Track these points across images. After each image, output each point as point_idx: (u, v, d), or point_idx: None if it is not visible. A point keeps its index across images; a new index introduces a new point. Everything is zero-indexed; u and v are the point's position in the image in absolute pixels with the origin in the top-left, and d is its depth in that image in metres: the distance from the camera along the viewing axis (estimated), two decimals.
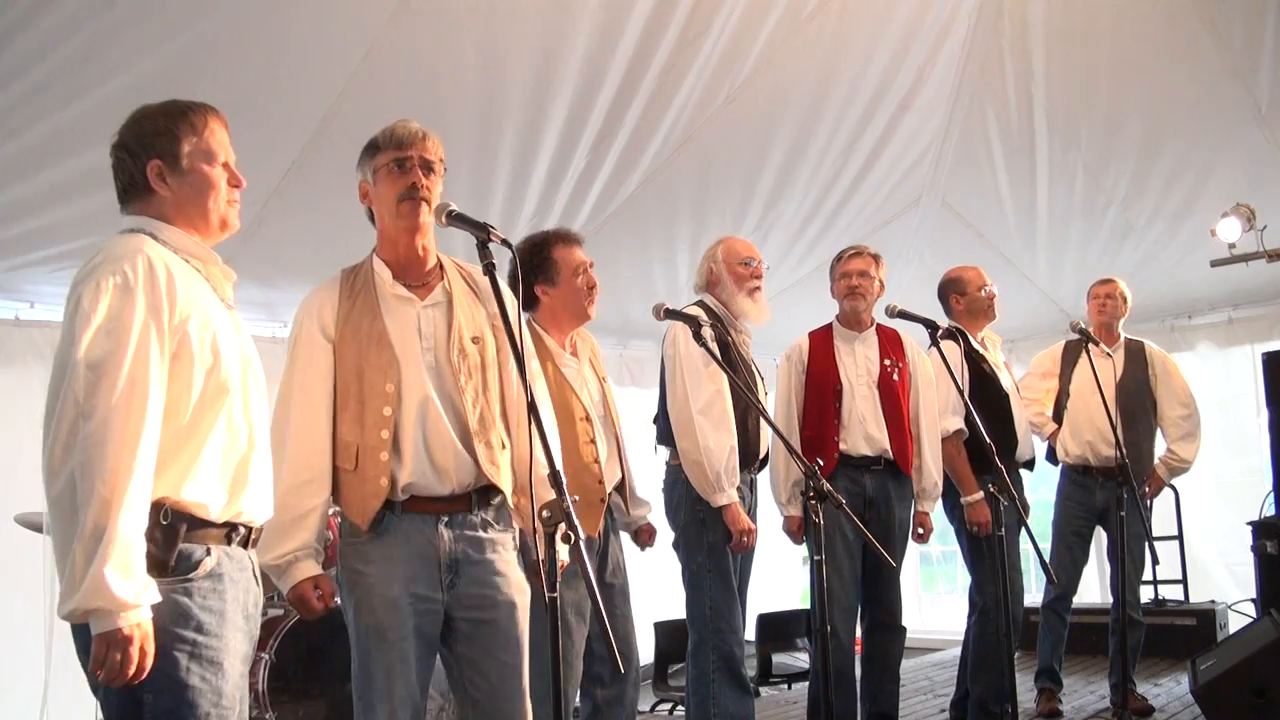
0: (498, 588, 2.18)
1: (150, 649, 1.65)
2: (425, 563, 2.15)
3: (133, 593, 1.60)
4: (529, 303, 3.01)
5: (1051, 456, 4.67)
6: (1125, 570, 3.96)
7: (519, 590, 2.25)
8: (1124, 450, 3.82)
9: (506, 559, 2.26)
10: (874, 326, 3.81)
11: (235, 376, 1.85)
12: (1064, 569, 4.36)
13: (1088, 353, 4.13)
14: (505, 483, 2.24)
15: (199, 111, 1.91)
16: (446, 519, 2.17)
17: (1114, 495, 4.27)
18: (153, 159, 1.85)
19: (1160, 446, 4.55)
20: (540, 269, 2.99)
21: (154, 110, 1.89)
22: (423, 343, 2.19)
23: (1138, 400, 4.44)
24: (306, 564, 2.15)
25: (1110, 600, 4.56)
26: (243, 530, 1.86)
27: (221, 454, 1.81)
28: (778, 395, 3.79)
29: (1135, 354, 4.55)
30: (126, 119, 1.90)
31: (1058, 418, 4.60)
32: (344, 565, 2.21)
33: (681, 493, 3.38)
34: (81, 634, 1.73)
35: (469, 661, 2.19)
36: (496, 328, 2.26)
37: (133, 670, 1.62)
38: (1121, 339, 4.53)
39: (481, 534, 2.20)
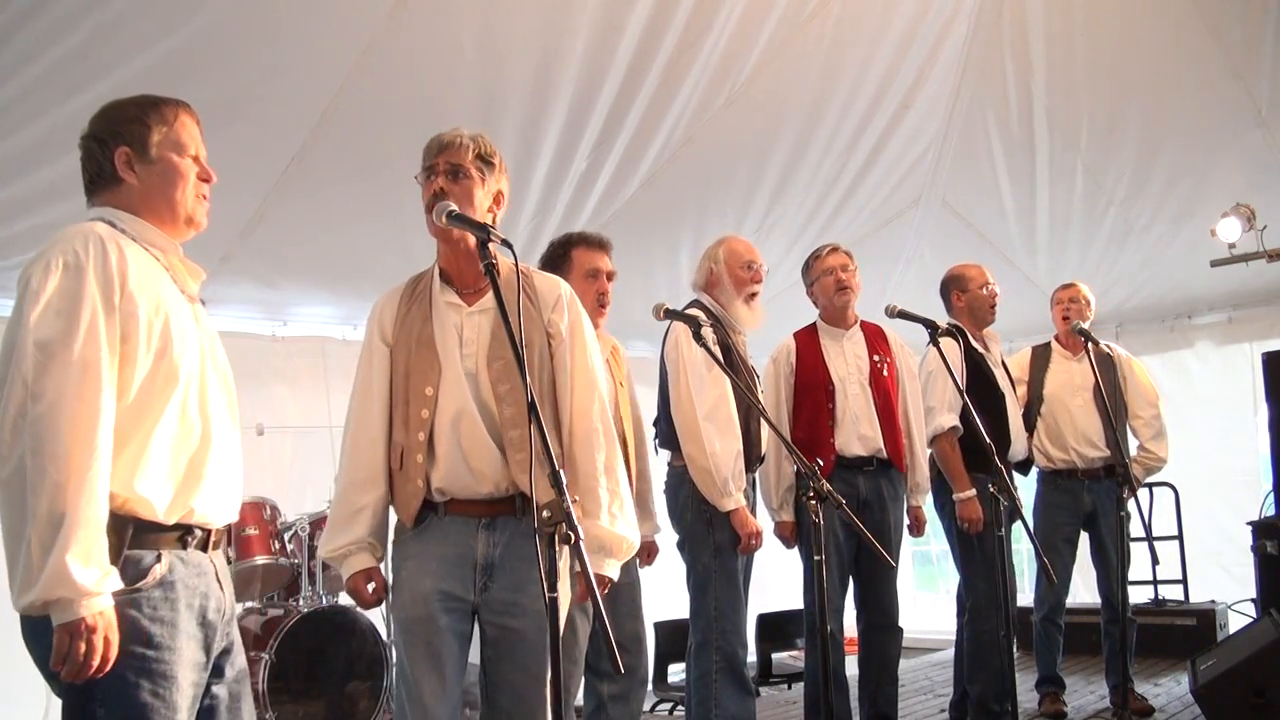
0: (530, 595, 2.11)
1: (115, 638, 1.58)
2: (460, 562, 2.15)
3: (94, 579, 1.54)
4: None
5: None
6: (1125, 571, 3.96)
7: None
8: (1115, 450, 3.82)
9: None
10: (858, 323, 3.80)
11: (190, 367, 1.77)
12: (1058, 577, 4.34)
13: (1088, 352, 4.12)
14: (540, 493, 2.20)
15: (170, 104, 1.88)
16: (488, 521, 2.17)
17: (1103, 497, 4.31)
18: (121, 146, 1.81)
19: (1132, 447, 4.55)
20: (556, 265, 3.12)
21: (124, 101, 1.86)
22: (463, 349, 2.20)
23: (1112, 403, 4.44)
24: (359, 557, 2.23)
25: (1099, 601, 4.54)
26: (199, 533, 1.78)
27: (171, 447, 1.73)
28: (765, 399, 3.73)
29: (1104, 357, 4.55)
30: (96, 112, 1.86)
31: (1028, 424, 4.58)
32: (392, 561, 2.27)
33: (687, 494, 3.37)
34: (35, 633, 1.64)
35: (494, 667, 2.18)
36: (553, 334, 2.26)
37: (97, 661, 1.56)
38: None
39: (524, 540, 2.14)
